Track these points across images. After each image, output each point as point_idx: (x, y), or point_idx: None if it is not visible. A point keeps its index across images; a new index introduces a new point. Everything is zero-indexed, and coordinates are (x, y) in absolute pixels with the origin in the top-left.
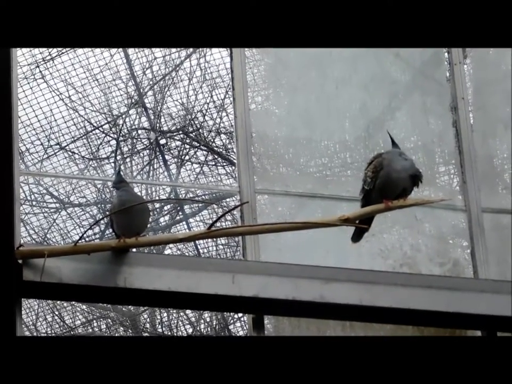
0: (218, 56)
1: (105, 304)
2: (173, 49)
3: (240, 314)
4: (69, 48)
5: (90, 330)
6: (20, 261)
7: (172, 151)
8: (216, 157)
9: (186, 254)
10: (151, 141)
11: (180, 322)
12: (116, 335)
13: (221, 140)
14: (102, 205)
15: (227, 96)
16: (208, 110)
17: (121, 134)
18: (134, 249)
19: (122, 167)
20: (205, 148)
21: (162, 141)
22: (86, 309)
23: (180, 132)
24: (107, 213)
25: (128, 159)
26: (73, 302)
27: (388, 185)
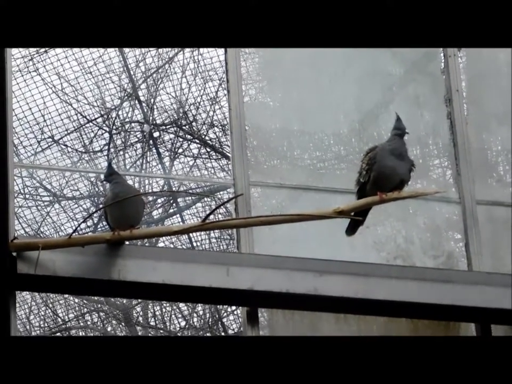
0: (211, 48)
1: (98, 298)
2: None
3: (233, 308)
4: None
5: (83, 324)
6: (14, 254)
7: (165, 144)
8: (209, 150)
9: (180, 247)
10: (145, 133)
11: (173, 316)
12: (109, 328)
13: (214, 133)
14: (95, 198)
15: (220, 88)
16: (202, 103)
17: (114, 127)
18: (127, 242)
19: (115, 160)
20: (198, 141)
21: (156, 134)
22: (79, 302)
23: (173, 125)
24: (100, 206)
25: (121, 152)
26: (66, 296)
27: (382, 178)
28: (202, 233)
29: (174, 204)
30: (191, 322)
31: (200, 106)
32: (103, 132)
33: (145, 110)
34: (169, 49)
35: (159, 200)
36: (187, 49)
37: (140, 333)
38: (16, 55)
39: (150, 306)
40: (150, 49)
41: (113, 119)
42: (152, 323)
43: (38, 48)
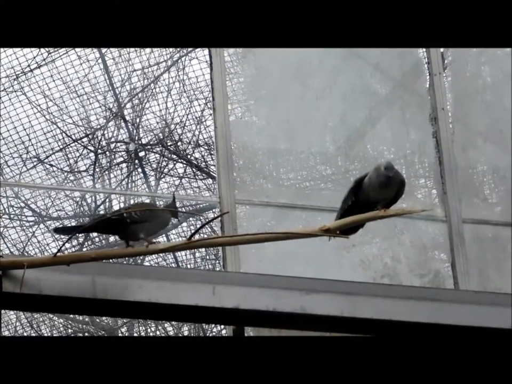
0: (197, 67)
1: (83, 318)
2: (152, 61)
3: (218, 329)
4: (47, 60)
5: None
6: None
7: (150, 163)
8: (194, 170)
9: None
10: (131, 152)
11: None
12: None
13: (200, 153)
14: (80, 218)
15: (206, 108)
16: (187, 122)
17: (99, 147)
18: (112, 261)
19: (100, 180)
20: (184, 161)
21: (141, 153)
22: (63, 323)
23: (159, 145)
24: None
25: (106, 171)
26: (51, 316)
27: (369, 196)
28: (188, 253)
29: None
30: None
31: (185, 125)
32: (89, 151)
33: (131, 130)
34: (155, 68)
35: None
36: (173, 69)
37: None
38: (2, 74)
39: (135, 327)
40: (136, 68)
41: (99, 138)
42: None
43: (23, 67)
